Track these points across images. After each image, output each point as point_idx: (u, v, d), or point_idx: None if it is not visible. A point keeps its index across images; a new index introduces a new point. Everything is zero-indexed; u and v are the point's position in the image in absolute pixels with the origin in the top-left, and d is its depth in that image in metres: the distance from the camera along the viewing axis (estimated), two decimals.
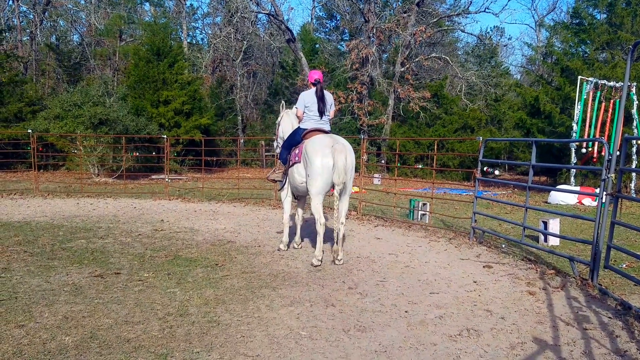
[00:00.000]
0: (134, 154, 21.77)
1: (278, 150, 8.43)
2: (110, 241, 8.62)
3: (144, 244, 8.40)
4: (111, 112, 21.96)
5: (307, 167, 7.15)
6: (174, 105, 25.79)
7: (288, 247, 8.29)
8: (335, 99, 28.09)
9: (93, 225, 10.18)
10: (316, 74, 7.85)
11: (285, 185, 8.04)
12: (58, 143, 21.70)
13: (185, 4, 39.87)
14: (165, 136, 16.69)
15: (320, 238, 7.21)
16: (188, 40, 40.17)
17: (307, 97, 7.64)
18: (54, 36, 38.70)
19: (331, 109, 7.84)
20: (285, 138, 8.06)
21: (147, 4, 41.92)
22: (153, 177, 21.67)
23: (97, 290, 5.72)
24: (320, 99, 7.58)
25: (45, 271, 6.52)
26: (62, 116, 22.14)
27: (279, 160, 8.24)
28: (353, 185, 7.98)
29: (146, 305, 5.22)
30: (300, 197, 8.36)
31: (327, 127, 7.76)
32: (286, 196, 8.16)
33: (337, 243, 7.30)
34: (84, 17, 38.40)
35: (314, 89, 7.66)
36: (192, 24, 43.32)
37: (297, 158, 7.50)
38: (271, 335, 4.52)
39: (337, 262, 7.24)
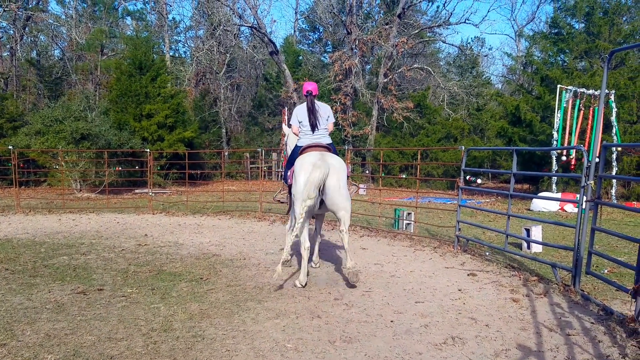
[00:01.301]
0: (117, 168, 21.62)
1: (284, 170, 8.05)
2: (93, 257, 8.54)
3: (128, 259, 8.34)
4: (93, 126, 21.84)
5: (293, 184, 6.82)
6: (157, 118, 25.72)
7: (289, 258, 7.53)
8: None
9: (75, 242, 10.08)
10: (309, 86, 7.42)
11: (291, 207, 7.46)
12: (39, 159, 21.51)
13: (168, 18, 39.87)
14: (148, 150, 16.61)
15: (304, 263, 6.68)
16: (171, 54, 40.12)
17: (300, 112, 7.32)
18: (35, 51, 38.45)
19: (328, 121, 7.39)
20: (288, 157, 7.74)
21: (129, 18, 41.89)
22: (136, 191, 21.54)
23: (79, 307, 5.66)
24: (311, 112, 7.17)
25: (27, 289, 6.44)
26: (43, 132, 21.98)
27: (283, 181, 7.89)
28: None
29: (130, 321, 5.17)
30: (318, 216, 7.87)
31: (325, 141, 7.24)
32: (290, 220, 7.66)
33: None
34: (65, 32, 38.18)
35: (305, 103, 7.33)
36: (175, 37, 43.32)
37: (290, 179, 7.11)
38: (257, 349, 4.49)
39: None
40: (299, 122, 7.30)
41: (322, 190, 6.58)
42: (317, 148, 7.03)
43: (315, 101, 7.31)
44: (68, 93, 32.60)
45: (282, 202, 8.15)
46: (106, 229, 11.84)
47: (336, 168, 6.67)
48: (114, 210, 15.55)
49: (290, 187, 7.24)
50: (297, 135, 7.44)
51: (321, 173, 6.39)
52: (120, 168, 21.83)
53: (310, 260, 7.34)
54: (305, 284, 6.64)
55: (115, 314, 5.43)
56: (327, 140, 7.32)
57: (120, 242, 10.01)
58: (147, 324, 5.12)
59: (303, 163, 6.70)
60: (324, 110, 7.36)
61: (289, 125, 7.80)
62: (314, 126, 7.18)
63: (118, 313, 5.45)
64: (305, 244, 6.63)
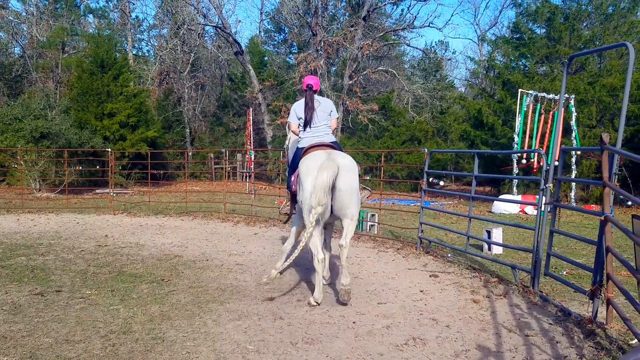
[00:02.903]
0: (77, 167, 21.23)
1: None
2: (51, 258, 8.37)
3: (87, 260, 8.19)
4: (53, 125, 21.44)
5: (299, 191, 6.09)
6: (119, 118, 25.35)
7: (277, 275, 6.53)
8: (284, 111, 28.36)
9: (34, 242, 9.87)
10: (310, 79, 6.74)
11: (296, 216, 6.92)
12: None
13: (131, 16, 39.33)
14: (109, 149, 16.35)
15: (319, 277, 5.97)
16: (134, 52, 39.57)
17: (298, 108, 6.65)
18: None
19: (331, 117, 6.69)
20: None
21: (91, 15, 41.11)
22: (97, 191, 21.21)
23: (37, 309, 5.54)
24: (310, 108, 6.50)
25: None
26: (2, 130, 21.49)
27: (287, 190, 7.20)
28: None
29: (88, 323, 5.08)
30: (327, 225, 6.74)
31: (329, 139, 6.56)
32: (296, 228, 7.04)
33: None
34: (25, 29, 37.35)
35: (303, 98, 6.68)
36: (138, 35, 42.70)
37: (293, 186, 6.46)
38: (217, 351, 4.46)
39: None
40: (299, 119, 6.62)
41: (331, 194, 5.85)
42: (321, 147, 6.32)
43: (316, 96, 6.67)
44: (28, 91, 31.86)
45: (288, 215, 7.57)
46: (65, 230, 11.62)
47: (347, 168, 5.96)
48: (74, 211, 15.27)
49: (294, 195, 6.58)
50: (296, 134, 6.81)
51: (330, 174, 5.67)
52: (80, 167, 21.45)
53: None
54: (319, 303, 5.93)
55: (73, 315, 5.34)
56: (331, 138, 6.64)
57: (80, 243, 9.84)
58: (106, 326, 5.04)
59: (308, 166, 5.98)
60: (326, 106, 6.70)
61: (288, 125, 7.14)
62: (308, 123, 6.52)
63: (76, 315, 5.36)
64: (319, 255, 5.94)
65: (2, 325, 5.02)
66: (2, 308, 5.57)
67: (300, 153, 6.47)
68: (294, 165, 6.66)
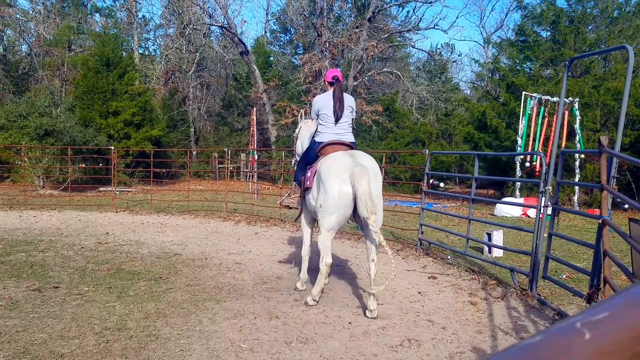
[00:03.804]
0: (80, 165, 21.28)
1: (295, 169, 7.05)
2: (51, 254, 8.40)
3: (86, 257, 8.21)
4: (58, 122, 21.48)
5: (320, 194, 5.71)
6: (123, 116, 25.40)
7: (305, 287, 6.68)
8: (288, 111, 28.40)
9: (34, 238, 9.90)
10: (334, 72, 6.42)
11: (303, 213, 6.70)
12: (2, 154, 21.08)
13: (137, 16, 39.42)
14: (113, 147, 16.40)
15: (322, 278, 5.84)
16: (140, 52, 39.66)
17: (322, 101, 6.27)
18: (1, 46, 37.66)
19: (352, 115, 6.41)
20: (301, 155, 6.79)
21: (98, 14, 41.25)
22: (101, 189, 21.23)
23: (33, 305, 5.56)
24: (339, 101, 6.14)
25: None
26: (7, 127, 21.55)
27: (295, 183, 7.00)
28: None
29: (83, 320, 5.10)
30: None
31: (349, 138, 6.28)
32: (306, 224, 6.80)
33: (371, 286, 5.60)
34: (32, 27, 37.51)
35: (330, 90, 6.30)
36: (144, 35, 42.82)
37: (308, 182, 6.08)
38: (211, 349, 4.46)
39: (368, 313, 5.59)
40: (318, 114, 6.30)
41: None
42: (340, 147, 6.08)
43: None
44: (34, 89, 31.98)
45: (289, 208, 7.29)
46: (67, 227, 11.65)
47: (375, 172, 5.68)
48: (76, 208, 15.31)
49: (305, 190, 6.29)
50: (314, 128, 6.54)
51: (367, 182, 5.38)
52: (84, 165, 21.49)
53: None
54: (317, 301, 5.93)
55: (69, 312, 5.35)
56: (351, 137, 6.35)
57: (80, 240, 9.86)
58: (101, 322, 5.05)
59: (332, 168, 5.63)
60: (349, 102, 6.34)
61: (309, 118, 6.93)
62: (338, 118, 6.18)
63: (72, 311, 5.37)
64: (328, 259, 5.74)
65: None
66: None
67: (316, 147, 6.22)
68: (307, 160, 6.41)
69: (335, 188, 5.50)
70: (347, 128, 6.32)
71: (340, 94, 6.20)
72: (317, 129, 6.38)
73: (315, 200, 5.84)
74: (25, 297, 5.83)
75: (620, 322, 0.56)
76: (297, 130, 7.32)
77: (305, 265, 6.80)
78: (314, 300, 5.88)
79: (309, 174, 6.13)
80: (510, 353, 0.55)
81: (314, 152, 6.22)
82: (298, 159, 6.97)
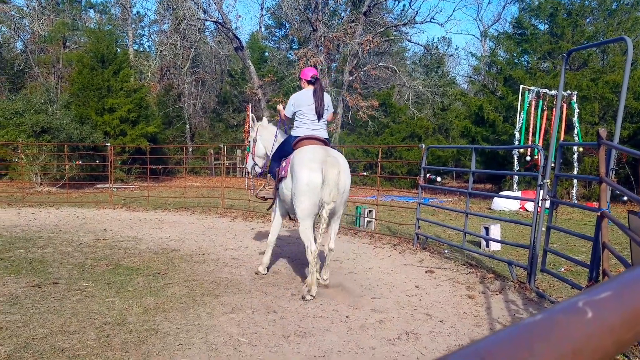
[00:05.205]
0: (77, 162, 21.25)
1: (252, 171, 7.69)
2: (50, 251, 8.41)
3: (85, 253, 8.22)
4: (54, 120, 21.45)
5: (293, 182, 6.02)
6: (119, 113, 25.34)
7: (267, 271, 7.14)
8: (284, 107, 28.30)
9: (33, 235, 9.90)
10: (312, 71, 6.77)
11: (276, 204, 6.91)
12: (0, 152, 21.05)
13: (132, 11, 39.31)
14: (109, 144, 16.39)
15: (313, 269, 5.94)
16: (135, 48, 39.58)
17: (301, 99, 6.52)
18: None
19: (328, 110, 6.73)
20: (274, 150, 7.05)
21: (92, 10, 41.15)
22: (98, 186, 21.23)
23: (33, 300, 5.57)
24: (320, 99, 6.47)
25: None
26: (3, 124, 21.50)
27: (269, 175, 7.29)
28: None
29: (83, 315, 5.11)
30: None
31: (323, 134, 6.59)
32: (278, 215, 7.02)
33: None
34: (27, 24, 37.39)
35: (310, 88, 6.59)
36: (139, 31, 42.70)
37: (283, 172, 6.37)
38: (210, 343, 4.48)
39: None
40: (298, 111, 6.52)
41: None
42: (314, 141, 6.36)
43: None
44: (29, 86, 31.89)
45: (265, 199, 7.56)
46: (65, 223, 11.65)
47: (345, 169, 6.08)
48: (74, 205, 15.30)
49: (279, 181, 6.55)
50: (284, 121, 6.86)
51: (337, 172, 5.74)
52: (81, 162, 21.47)
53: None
54: (314, 296, 5.90)
55: (69, 307, 5.36)
56: (325, 134, 6.66)
57: (79, 236, 9.87)
58: (101, 317, 5.06)
59: (304, 158, 5.96)
60: (328, 100, 6.71)
61: (283, 116, 7.07)
62: (320, 115, 6.49)
63: (72, 306, 5.38)
64: (312, 247, 5.92)
65: None
66: None
67: (292, 141, 6.50)
68: (282, 153, 6.72)
69: (305, 174, 5.83)
70: (323, 125, 6.64)
71: (321, 92, 6.56)
72: (293, 125, 6.69)
73: (290, 190, 6.15)
74: (25, 293, 5.84)
75: (625, 300, 0.57)
76: (253, 134, 7.65)
77: (269, 252, 7.15)
78: (311, 295, 5.91)
79: (284, 164, 6.45)
80: (511, 331, 0.56)
81: (290, 145, 6.51)
82: (259, 161, 7.57)
